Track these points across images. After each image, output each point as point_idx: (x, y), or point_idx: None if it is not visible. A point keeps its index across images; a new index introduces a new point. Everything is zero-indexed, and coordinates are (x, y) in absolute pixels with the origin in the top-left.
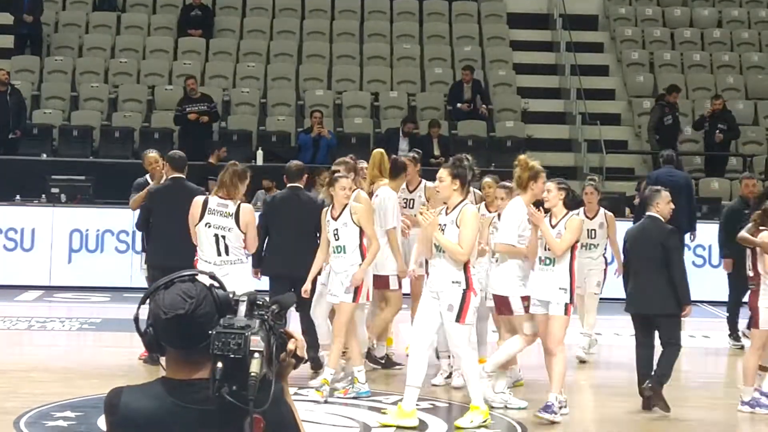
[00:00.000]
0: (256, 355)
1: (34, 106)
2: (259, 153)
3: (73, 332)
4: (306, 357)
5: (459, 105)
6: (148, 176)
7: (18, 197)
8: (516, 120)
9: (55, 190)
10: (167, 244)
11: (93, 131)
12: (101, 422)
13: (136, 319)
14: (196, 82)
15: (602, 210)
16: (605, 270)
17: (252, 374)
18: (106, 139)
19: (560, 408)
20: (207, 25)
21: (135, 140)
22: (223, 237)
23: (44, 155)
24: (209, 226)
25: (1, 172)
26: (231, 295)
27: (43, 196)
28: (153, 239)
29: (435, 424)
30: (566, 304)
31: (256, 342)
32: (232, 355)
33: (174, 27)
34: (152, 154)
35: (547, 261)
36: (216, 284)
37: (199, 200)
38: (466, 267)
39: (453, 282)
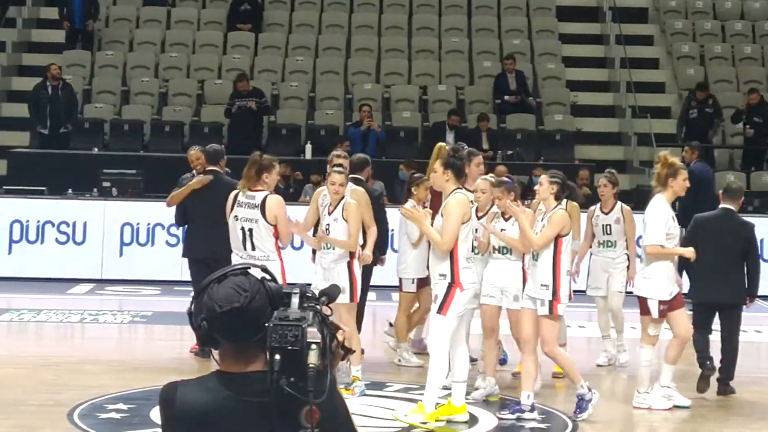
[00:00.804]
0: (314, 346)
1: (85, 100)
2: (308, 147)
3: (125, 325)
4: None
5: (507, 97)
6: (194, 172)
7: (70, 191)
8: (565, 113)
9: (106, 184)
10: (203, 237)
11: (143, 125)
12: (153, 414)
13: (190, 314)
14: (248, 80)
15: (619, 204)
16: (628, 267)
17: (310, 366)
18: (157, 133)
19: (530, 409)
20: (256, 20)
21: (185, 134)
22: (250, 230)
23: (95, 149)
24: (237, 219)
25: (53, 166)
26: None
27: (95, 189)
28: (189, 233)
29: (485, 418)
30: (551, 302)
31: (313, 333)
32: (289, 347)
33: (223, 21)
34: (194, 150)
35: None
36: (268, 277)
37: (232, 194)
38: (453, 260)
39: (439, 275)
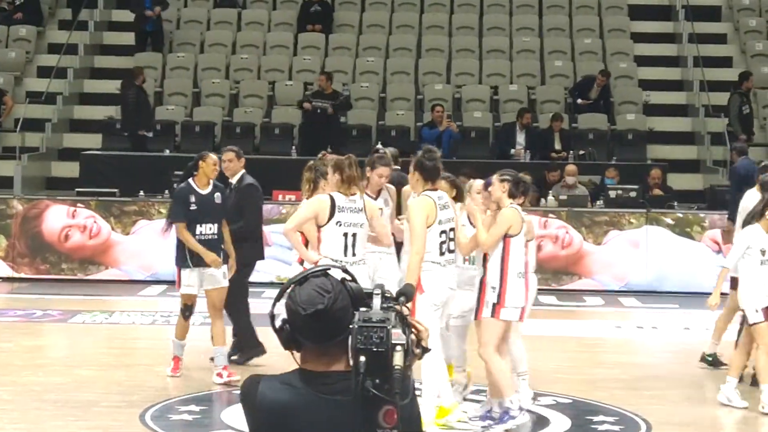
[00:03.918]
0: (398, 348)
1: (156, 102)
2: (381, 148)
3: (196, 327)
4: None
5: (580, 101)
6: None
7: (141, 193)
8: (637, 113)
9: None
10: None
11: (215, 127)
12: (225, 416)
13: (272, 316)
14: (331, 81)
15: None
16: None
17: (396, 367)
18: (228, 135)
19: (512, 415)
20: (327, 21)
21: (256, 135)
22: (354, 235)
23: (167, 151)
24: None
25: (126, 168)
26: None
27: (167, 191)
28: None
29: (557, 420)
30: (494, 305)
31: (398, 335)
32: (375, 349)
33: (294, 23)
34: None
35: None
36: (348, 278)
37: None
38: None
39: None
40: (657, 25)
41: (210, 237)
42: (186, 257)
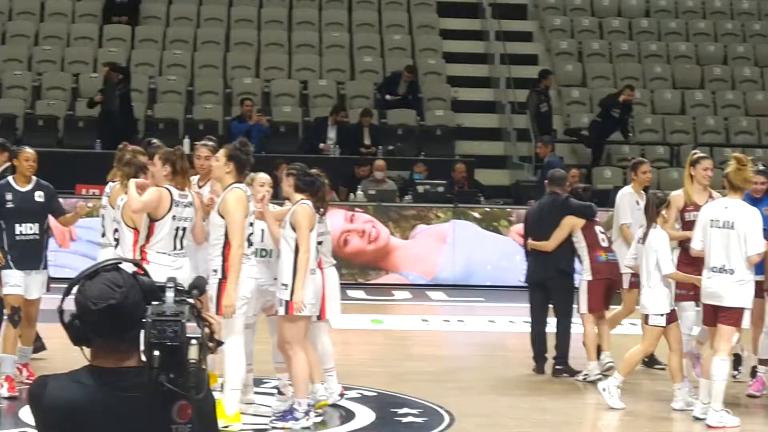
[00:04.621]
0: (194, 341)
1: None
2: (186, 141)
3: None
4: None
5: (388, 97)
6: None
7: None
8: (446, 109)
9: None
10: None
11: (16, 119)
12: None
13: (61, 311)
14: (110, 70)
15: None
16: None
17: (192, 361)
18: (30, 128)
19: (307, 413)
20: (133, 13)
21: (59, 128)
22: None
23: None
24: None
25: None
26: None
27: None
28: None
29: (362, 413)
30: (287, 302)
31: (192, 328)
32: (169, 343)
33: (99, 14)
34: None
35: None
36: (140, 271)
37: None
38: (225, 255)
39: (213, 270)
40: (465, 23)
41: (31, 237)
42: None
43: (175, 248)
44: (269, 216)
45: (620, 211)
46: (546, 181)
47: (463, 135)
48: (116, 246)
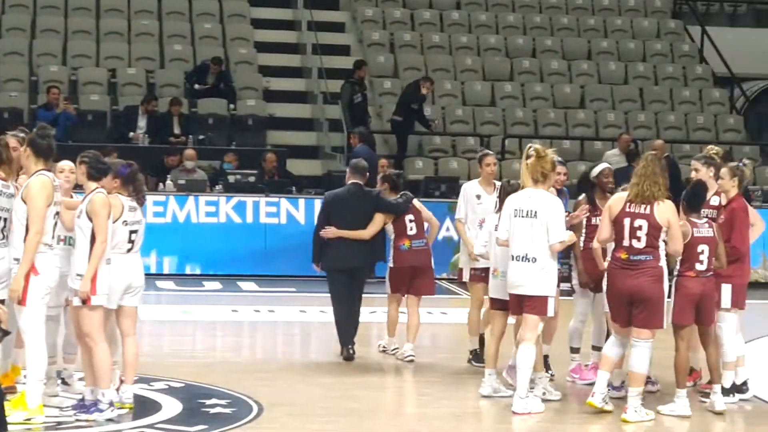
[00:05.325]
0: None
1: None
2: None
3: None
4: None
5: (197, 86)
6: None
7: None
8: (258, 98)
9: None
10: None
11: None
12: None
13: None
14: None
15: None
16: None
17: None
18: None
19: (111, 404)
20: None
21: None
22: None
23: None
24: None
25: None
26: None
27: None
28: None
29: (169, 404)
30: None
31: None
32: None
33: None
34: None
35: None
36: None
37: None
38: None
39: (14, 259)
40: (277, 12)
41: None
42: None
43: None
44: (63, 204)
45: (458, 206)
46: (348, 170)
47: (275, 125)
48: None
